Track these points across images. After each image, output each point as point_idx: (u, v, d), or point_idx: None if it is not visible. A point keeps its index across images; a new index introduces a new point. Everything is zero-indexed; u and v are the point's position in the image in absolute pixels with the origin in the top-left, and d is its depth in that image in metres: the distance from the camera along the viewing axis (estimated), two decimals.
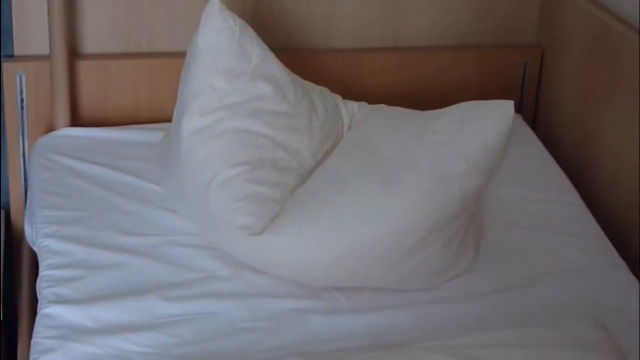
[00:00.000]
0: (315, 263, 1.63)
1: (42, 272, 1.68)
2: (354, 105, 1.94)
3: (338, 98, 1.94)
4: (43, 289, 1.63)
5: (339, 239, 1.61)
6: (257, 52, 1.78)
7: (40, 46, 2.07)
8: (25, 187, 2.12)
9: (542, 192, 1.98)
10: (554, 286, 1.72)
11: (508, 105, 1.63)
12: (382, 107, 1.93)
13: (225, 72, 1.74)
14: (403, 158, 1.64)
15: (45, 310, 1.58)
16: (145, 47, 2.14)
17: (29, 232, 1.88)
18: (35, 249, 1.80)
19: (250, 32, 1.78)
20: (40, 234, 1.76)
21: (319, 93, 1.89)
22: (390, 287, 1.67)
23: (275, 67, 1.79)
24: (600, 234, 1.88)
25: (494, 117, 1.62)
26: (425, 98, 2.20)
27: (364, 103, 1.96)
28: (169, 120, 1.90)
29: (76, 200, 1.85)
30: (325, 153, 1.82)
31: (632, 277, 1.77)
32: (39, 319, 1.57)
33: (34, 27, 2.07)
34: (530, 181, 2.00)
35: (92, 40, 2.12)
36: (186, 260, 1.71)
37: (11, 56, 2.09)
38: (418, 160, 1.63)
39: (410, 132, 1.70)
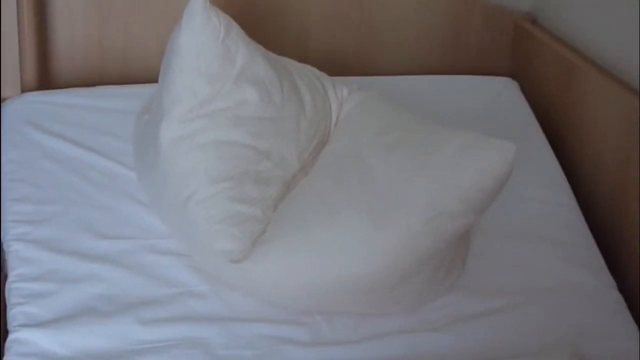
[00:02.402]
0: (297, 292, 1.57)
1: (11, 283, 1.61)
2: (343, 89, 1.83)
3: (326, 81, 1.83)
4: (12, 307, 1.56)
5: (322, 272, 1.54)
6: (243, 52, 1.64)
7: None
8: None
9: (536, 188, 1.90)
10: (540, 308, 1.68)
11: (509, 147, 1.53)
12: (373, 98, 1.82)
13: (208, 75, 1.62)
14: (395, 192, 1.55)
15: (16, 334, 1.52)
16: None
17: None
18: (3, 246, 1.72)
19: (235, 30, 1.65)
20: (9, 235, 1.68)
21: (307, 82, 1.77)
22: (373, 312, 1.63)
23: (262, 66, 1.66)
24: (591, 241, 1.83)
25: (494, 158, 1.53)
26: None
27: (353, 87, 1.85)
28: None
29: (48, 190, 1.76)
30: (312, 151, 1.73)
31: (619, 297, 1.73)
32: (9, 344, 1.51)
33: None
34: (524, 175, 1.92)
35: None
36: (163, 272, 1.65)
37: None
38: (411, 196, 1.54)
39: (404, 161, 1.59)
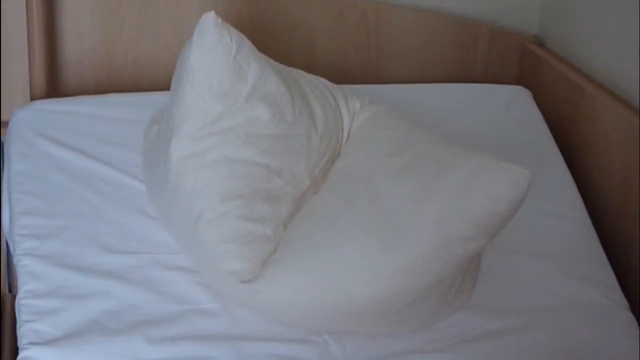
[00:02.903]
0: (305, 313, 1.56)
1: (21, 300, 1.60)
2: (355, 103, 1.82)
3: (338, 93, 1.81)
4: (22, 324, 1.56)
5: (331, 294, 1.53)
6: (254, 69, 1.63)
7: None
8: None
9: (548, 202, 1.89)
10: (548, 329, 1.66)
11: (524, 173, 1.51)
12: (384, 112, 1.80)
13: (219, 93, 1.61)
14: (406, 215, 1.53)
15: (25, 353, 1.51)
16: None
17: (5, 225, 1.80)
18: (14, 260, 1.71)
19: (247, 46, 1.63)
20: (19, 250, 1.68)
21: (319, 95, 1.75)
22: (381, 333, 1.62)
23: (273, 83, 1.65)
24: (602, 257, 1.82)
25: (508, 184, 1.51)
26: None
27: (365, 99, 1.84)
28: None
29: (56, 204, 1.75)
30: (323, 167, 1.72)
31: (630, 317, 1.72)
32: None
33: None
34: (536, 189, 1.90)
35: None
36: (171, 288, 1.64)
37: None
38: (422, 220, 1.52)
39: (416, 184, 1.57)
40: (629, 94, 1.95)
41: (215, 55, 1.59)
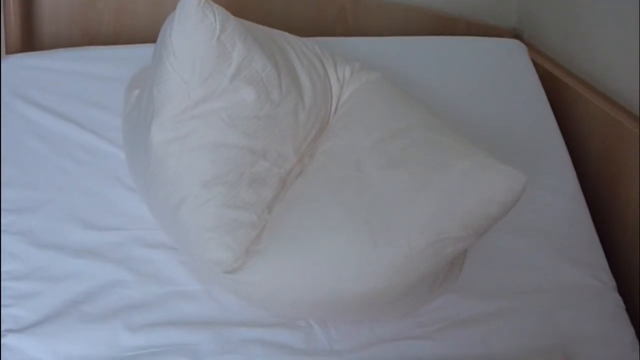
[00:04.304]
0: (289, 304, 1.52)
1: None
2: (345, 69, 1.74)
3: (328, 60, 1.73)
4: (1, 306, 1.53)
5: (317, 288, 1.49)
6: (239, 49, 1.54)
7: None
8: None
9: (542, 176, 1.84)
10: (536, 311, 1.64)
11: (519, 177, 1.45)
12: (375, 83, 1.73)
13: (202, 75, 1.52)
14: (396, 212, 1.47)
15: (4, 340, 1.48)
16: None
17: None
18: None
19: (232, 25, 1.53)
20: None
21: (307, 65, 1.68)
22: (367, 320, 1.59)
23: (259, 62, 1.56)
24: (593, 237, 1.79)
25: (503, 187, 1.45)
26: None
27: (355, 65, 1.76)
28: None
29: (33, 174, 1.70)
30: (310, 141, 1.65)
31: (618, 299, 1.70)
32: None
33: None
34: (532, 162, 1.86)
35: None
36: (152, 268, 1.61)
37: None
38: (413, 218, 1.46)
39: (407, 179, 1.50)
40: (604, 84, 1.95)
41: (198, 37, 1.50)
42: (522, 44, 2.11)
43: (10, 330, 1.50)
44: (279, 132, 1.59)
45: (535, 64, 2.10)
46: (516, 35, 2.29)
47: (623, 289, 1.73)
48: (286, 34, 1.74)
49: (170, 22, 1.53)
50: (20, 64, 1.85)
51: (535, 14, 2.19)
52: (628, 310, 1.69)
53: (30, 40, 1.94)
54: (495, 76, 2.05)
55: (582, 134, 1.96)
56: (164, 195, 1.55)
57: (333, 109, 1.71)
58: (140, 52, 1.89)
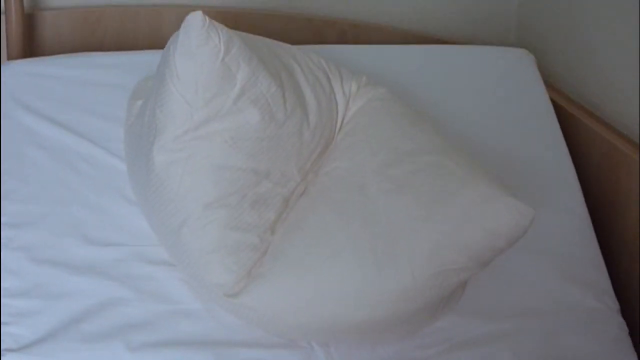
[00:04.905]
0: (289, 328, 1.52)
1: None
2: (351, 84, 1.72)
3: (334, 74, 1.71)
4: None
5: (319, 314, 1.48)
6: (244, 70, 1.51)
7: None
8: None
9: (547, 194, 1.82)
10: (536, 333, 1.62)
11: (527, 212, 1.43)
12: (382, 101, 1.70)
13: (206, 98, 1.50)
14: (401, 240, 1.46)
15: (4, 359, 1.48)
16: None
17: None
18: None
19: (237, 46, 1.51)
20: None
21: (313, 82, 1.65)
22: (368, 342, 1.58)
23: (264, 83, 1.54)
24: (598, 257, 1.77)
25: (510, 222, 1.43)
26: None
27: (362, 80, 1.74)
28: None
29: (34, 186, 1.67)
30: (315, 159, 1.64)
31: (621, 322, 1.69)
32: None
33: None
34: (537, 179, 1.84)
35: None
36: (153, 286, 1.59)
37: None
38: (417, 248, 1.45)
39: (414, 207, 1.48)
40: (604, 110, 1.95)
41: (201, 59, 1.48)
42: (529, 54, 2.08)
43: (10, 350, 1.48)
44: (282, 152, 1.57)
45: None
46: None
47: (624, 313, 1.72)
48: (292, 47, 1.71)
49: (174, 41, 1.51)
50: (22, 70, 1.82)
51: (534, 39, 2.17)
52: (631, 334, 1.68)
53: (31, 45, 1.91)
54: (502, 86, 2.03)
55: (582, 160, 1.95)
56: (165, 215, 1.53)
57: (338, 125, 1.69)
58: (143, 59, 1.87)
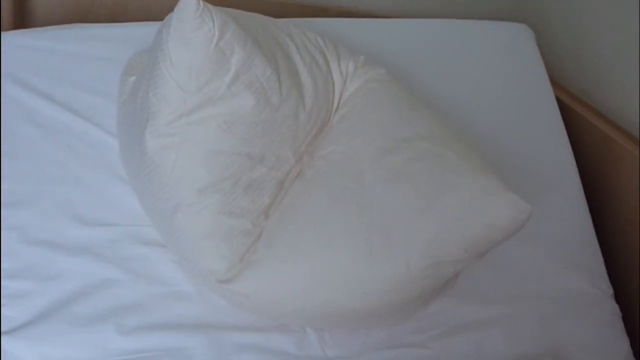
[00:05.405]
0: (283, 316, 1.51)
1: None
2: (349, 64, 1.69)
3: (331, 54, 1.68)
4: None
5: (313, 302, 1.47)
6: (238, 54, 1.48)
7: None
8: None
9: (543, 178, 1.80)
10: (531, 319, 1.64)
11: (525, 209, 1.42)
12: (379, 82, 1.67)
13: (199, 83, 1.47)
14: (397, 231, 1.44)
15: None
16: None
17: None
18: None
19: (231, 30, 1.47)
20: None
21: (309, 62, 1.62)
22: (362, 327, 1.58)
23: (259, 67, 1.51)
24: (594, 243, 1.76)
25: (508, 216, 1.41)
26: None
27: (360, 59, 1.71)
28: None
29: (27, 164, 1.65)
30: (310, 141, 1.61)
31: (614, 307, 1.69)
32: None
33: None
34: (535, 163, 1.82)
35: None
36: (146, 267, 1.58)
37: None
38: (413, 239, 1.43)
39: (410, 197, 1.46)
40: (603, 103, 1.95)
41: (196, 44, 1.45)
42: (529, 29, 2.05)
43: (3, 332, 1.48)
44: (277, 135, 1.55)
45: None
46: None
47: (621, 297, 1.72)
48: (289, 24, 1.68)
49: (168, 24, 1.48)
50: (13, 43, 1.79)
51: (535, 32, 2.13)
52: (625, 319, 1.68)
53: (23, 15, 1.87)
54: (502, 62, 2.00)
55: (579, 153, 1.94)
56: (158, 199, 1.52)
57: (335, 106, 1.67)
58: (136, 31, 1.84)
